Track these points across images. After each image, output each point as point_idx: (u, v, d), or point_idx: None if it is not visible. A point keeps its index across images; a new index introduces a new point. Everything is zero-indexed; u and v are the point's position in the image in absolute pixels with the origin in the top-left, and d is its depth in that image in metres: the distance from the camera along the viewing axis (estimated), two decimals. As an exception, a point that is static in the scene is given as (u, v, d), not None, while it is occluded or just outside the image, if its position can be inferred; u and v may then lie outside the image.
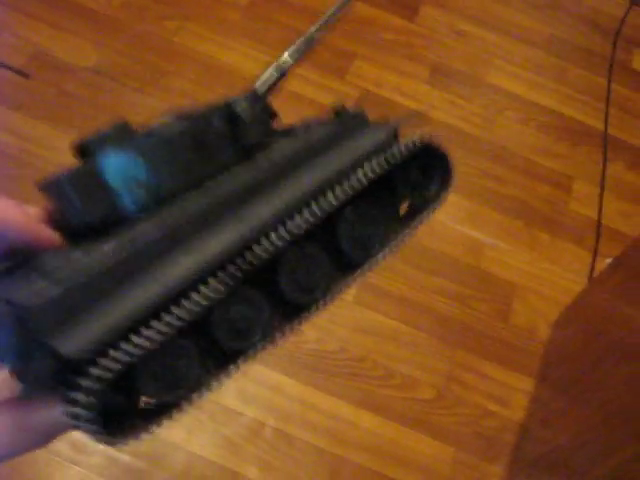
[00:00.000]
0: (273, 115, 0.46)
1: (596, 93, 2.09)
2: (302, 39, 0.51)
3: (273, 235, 0.38)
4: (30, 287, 0.32)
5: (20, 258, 0.36)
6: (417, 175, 0.47)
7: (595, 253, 1.75)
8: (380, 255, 0.45)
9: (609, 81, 2.12)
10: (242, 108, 0.41)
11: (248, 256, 0.37)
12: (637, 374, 1.09)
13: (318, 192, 0.40)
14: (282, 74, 0.50)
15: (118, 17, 1.88)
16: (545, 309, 1.63)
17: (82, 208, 0.36)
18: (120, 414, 0.35)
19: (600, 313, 1.39)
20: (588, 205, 1.85)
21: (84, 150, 0.39)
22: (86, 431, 0.33)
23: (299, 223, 0.39)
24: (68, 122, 1.68)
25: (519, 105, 2.01)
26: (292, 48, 0.51)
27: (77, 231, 0.37)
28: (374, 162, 0.42)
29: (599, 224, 1.81)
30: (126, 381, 0.34)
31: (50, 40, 1.79)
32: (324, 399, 1.41)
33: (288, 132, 0.46)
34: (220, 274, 0.36)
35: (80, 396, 0.31)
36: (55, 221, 0.38)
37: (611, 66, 2.15)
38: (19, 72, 1.71)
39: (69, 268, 0.33)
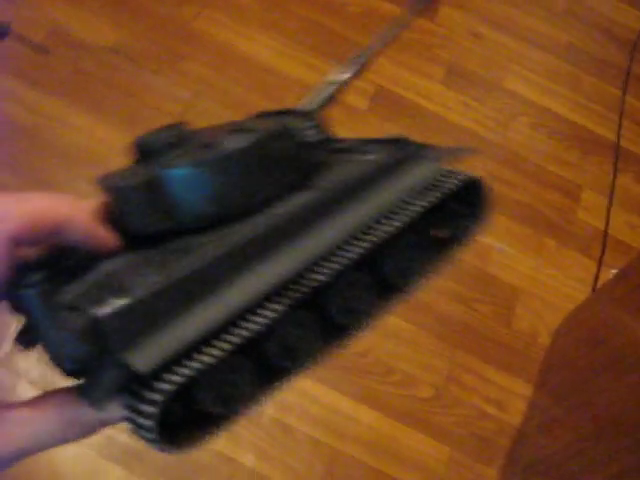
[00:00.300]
0: (330, 134, 0.46)
1: (610, 104, 2.09)
2: (355, 57, 0.51)
3: (332, 264, 0.39)
4: (96, 294, 0.33)
5: (64, 255, 0.37)
6: (456, 206, 0.47)
7: (600, 263, 1.75)
8: (419, 282, 0.45)
9: (623, 92, 2.12)
10: (306, 130, 0.41)
11: (308, 282, 0.38)
12: (636, 386, 1.10)
13: (375, 222, 0.41)
14: (336, 91, 0.50)
15: (139, -1, 1.88)
16: (547, 315, 1.64)
17: (145, 218, 0.37)
18: (176, 423, 0.36)
19: (602, 323, 1.40)
20: (596, 215, 1.85)
21: (143, 151, 0.40)
22: (143, 437, 0.34)
23: (358, 252, 0.40)
24: (83, 100, 1.68)
25: (532, 111, 2.01)
26: (344, 67, 0.51)
27: (134, 234, 0.38)
28: (428, 196, 0.43)
29: (606, 234, 1.81)
30: (184, 392, 0.35)
31: (69, 17, 1.79)
32: (323, 391, 1.42)
33: (342, 150, 0.46)
34: (280, 299, 0.37)
35: (145, 407, 0.32)
36: (111, 219, 0.38)
37: (626, 78, 2.15)
38: (38, 47, 1.71)
39: (135, 278, 0.34)
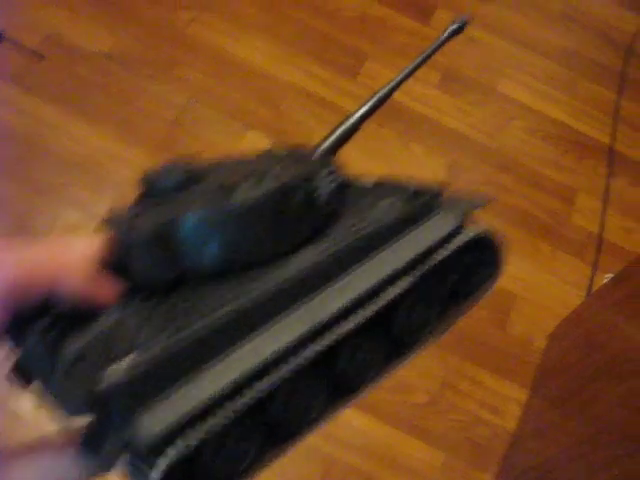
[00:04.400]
0: (344, 178, 0.45)
1: (605, 108, 2.09)
2: (377, 96, 0.50)
3: (339, 329, 0.38)
4: (99, 352, 0.32)
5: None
6: (468, 259, 0.46)
7: (595, 267, 1.75)
8: (429, 339, 0.44)
9: (619, 96, 2.12)
10: (321, 180, 0.40)
11: (315, 347, 0.37)
12: (631, 392, 1.10)
13: (384, 283, 0.40)
14: (355, 128, 0.49)
15: (134, 4, 1.88)
16: (542, 320, 1.64)
17: (152, 267, 0.35)
18: None
19: (597, 328, 1.40)
20: (590, 219, 1.85)
21: (152, 188, 0.39)
22: None
23: (367, 315, 0.39)
24: (78, 106, 1.68)
25: (528, 115, 2.01)
26: (365, 106, 0.49)
27: (140, 283, 0.36)
28: (438, 253, 0.43)
29: (600, 239, 1.81)
30: (188, 460, 0.34)
31: (65, 23, 1.79)
32: (318, 397, 1.42)
33: (355, 194, 0.45)
34: (284, 365, 0.36)
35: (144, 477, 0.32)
36: (115, 263, 0.36)
37: (622, 82, 2.15)
38: (33, 53, 1.71)
39: (139, 337, 0.33)
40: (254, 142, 1.72)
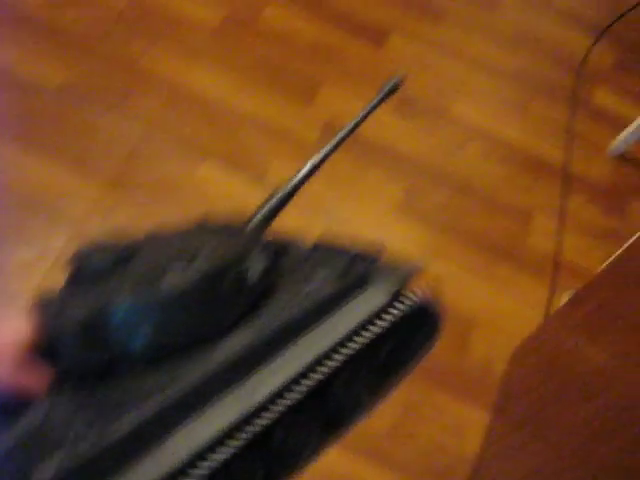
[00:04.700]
0: (282, 253, 0.45)
1: (559, 127, 2.12)
2: (309, 165, 0.49)
3: (271, 412, 0.37)
4: (26, 454, 0.32)
5: None
6: (404, 329, 0.45)
7: (554, 287, 1.77)
8: (364, 413, 0.44)
9: (572, 115, 2.14)
10: (258, 264, 0.40)
11: (249, 429, 0.36)
12: (592, 415, 1.10)
13: (315, 365, 0.39)
14: (287, 198, 0.49)
15: (85, 38, 1.87)
16: (502, 342, 1.64)
17: (82, 357, 0.35)
18: None
19: (558, 349, 1.40)
20: (548, 239, 1.87)
21: (82, 268, 0.39)
22: None
23: (301, 392, 0.38)
24: (32, 141, 1.66)
25: (483, 137, 2.03)
26: (298, 175, 0.49)
27: (68, 371, 0.36)
28: (371, 329, 0.41)
29: (558, 258, 1.83)
30: None
31: (16, 58, 1.78)
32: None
33: (289, 267, 0.45)
34: (211, 456, 0.35)
35: None
36: (42, 350, 0.36)
37: (574, 100, 2.18)
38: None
39: (66, 435, 0.32)
40: (210, 173, 1.72)
